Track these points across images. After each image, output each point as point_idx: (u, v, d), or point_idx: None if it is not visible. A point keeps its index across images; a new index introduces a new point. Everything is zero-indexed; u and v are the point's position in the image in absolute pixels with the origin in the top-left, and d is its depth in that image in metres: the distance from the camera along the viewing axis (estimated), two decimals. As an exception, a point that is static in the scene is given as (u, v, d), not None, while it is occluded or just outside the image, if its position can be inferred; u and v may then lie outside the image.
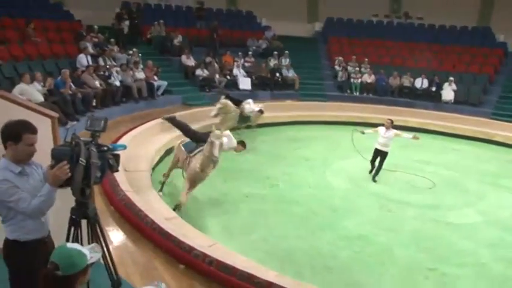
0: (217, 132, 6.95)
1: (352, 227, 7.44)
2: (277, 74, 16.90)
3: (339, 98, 16.77)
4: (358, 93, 17.13)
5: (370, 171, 9.83)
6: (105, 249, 3.31)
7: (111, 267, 3.43)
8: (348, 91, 17.23)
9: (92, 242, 3.10)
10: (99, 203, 6.14)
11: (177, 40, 16.43)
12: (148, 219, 5.60)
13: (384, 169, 9.70)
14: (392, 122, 9.56)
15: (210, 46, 17.02)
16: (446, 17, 19.44)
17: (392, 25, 20.80)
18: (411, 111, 15.35)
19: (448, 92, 16.38)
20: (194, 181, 7.21)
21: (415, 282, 5.98)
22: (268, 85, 16.56)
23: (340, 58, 18.10)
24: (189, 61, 15.68)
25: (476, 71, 17.67)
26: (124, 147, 3.54)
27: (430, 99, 16.57)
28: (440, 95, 16.48)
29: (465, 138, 14.25)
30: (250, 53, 17.62)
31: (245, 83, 15.95)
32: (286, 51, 17.81)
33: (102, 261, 3.16)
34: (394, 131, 9.47)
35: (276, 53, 17.64)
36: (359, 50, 18.88)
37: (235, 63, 16.42)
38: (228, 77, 15.73)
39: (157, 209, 6.24)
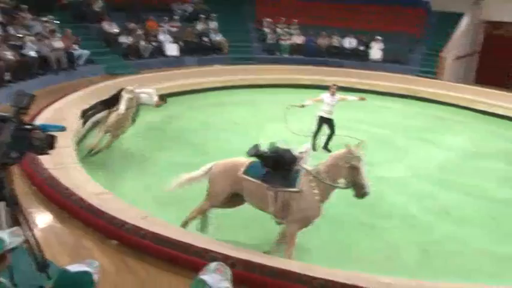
0: (354, 150, 4.86)
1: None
2: (205, 38, 16.46)
3: (268, 60, 16.63)
4: (287, 55, 17.12)
5: (314, 145, 9.11)
6: (28, 232, 3.15)
7: (36, 250, 3.28)
8: (278, 53, 17.17)
9: (13, 226, 2.92)
10: (19, 184, 5.72)
11: (97, 5, 15.41)
12: (75, 197, 5.32)
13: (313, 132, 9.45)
14: (337, 87, 9.22)
15: (131, 11, 16.13)
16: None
17: (320, -15, 20.71)
18: (340, 71, 15.44)
19: (375, 51, 16.82)
20: (306, 223, 5.37)
21: (349, 237, 6.19)
22: (196, 50, 16.08)
23: (269, 20, 17.91)
24: (111, 28, 14.84)
25: (402, 29, 18.02)
26: (61, 128, 3.31)
27: (359, 58, 16.89)
28: (368, 54, 16.87)
29: (393, 95, 14.76)
30: (175, 17, 16.95)
31: (172, 49, 15.44)
32: (214, 14, 17.36)
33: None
34: (339, 96, 9.21)
35: (202, 16, 17.13)
36: (287, 11, 18.62)
37: (161, 29, 15.77)
38: (154, 44, 15.12)
39: (84, 186, 5.93)
